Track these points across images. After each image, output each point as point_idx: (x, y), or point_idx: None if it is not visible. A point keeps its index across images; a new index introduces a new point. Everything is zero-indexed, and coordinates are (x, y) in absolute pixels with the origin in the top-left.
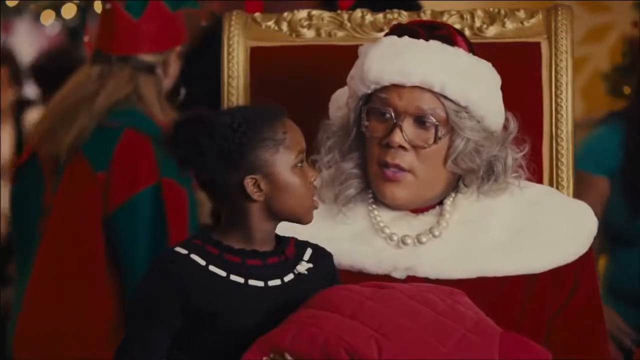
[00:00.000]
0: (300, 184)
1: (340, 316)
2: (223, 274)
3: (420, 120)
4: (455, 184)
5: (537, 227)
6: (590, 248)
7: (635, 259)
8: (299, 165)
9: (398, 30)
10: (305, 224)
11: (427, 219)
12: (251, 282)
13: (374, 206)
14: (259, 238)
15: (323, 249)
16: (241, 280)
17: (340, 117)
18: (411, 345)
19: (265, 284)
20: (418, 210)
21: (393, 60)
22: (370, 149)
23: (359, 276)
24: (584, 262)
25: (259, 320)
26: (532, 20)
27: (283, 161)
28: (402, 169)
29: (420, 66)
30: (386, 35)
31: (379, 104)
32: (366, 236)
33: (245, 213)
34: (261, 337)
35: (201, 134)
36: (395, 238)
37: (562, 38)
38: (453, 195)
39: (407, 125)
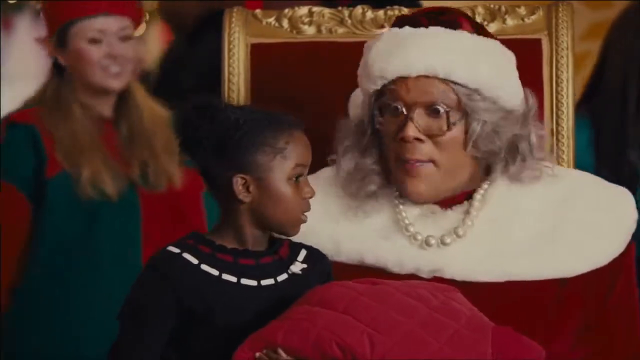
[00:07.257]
0: (291, 197)
1: (333, 312)
2: (215, 272)
3: (432, 109)
4: (486, 170)
5: (570, 226)
6: (629, 244)
7: None
8: (295, 178)
9: (400, 22)
10: (290, 236)
11: (455, 215)
12: (244, 281)
13: (398, 201)
14: (250, 239)
15: (318, 251)
16: (234, 279)
17: (356, 115)
18: (404, 340)
19: (258, 283)
20: (446, 203)
21: (394, 52)
22: (388, 145)
23: (382, 275)
24: (620, 264)
25: (252, 320)
26: (533, 17)
27: (278, 170)
28: (422, 161)
29: (422, 54)
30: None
31: (389, 99)
32: (389, 232)
33: (234, 212)
34: (254, 333)
35: (204, 121)
36: (419, 237)
37: (562, 34)
38: (485, 186)
39: (419, 116)
